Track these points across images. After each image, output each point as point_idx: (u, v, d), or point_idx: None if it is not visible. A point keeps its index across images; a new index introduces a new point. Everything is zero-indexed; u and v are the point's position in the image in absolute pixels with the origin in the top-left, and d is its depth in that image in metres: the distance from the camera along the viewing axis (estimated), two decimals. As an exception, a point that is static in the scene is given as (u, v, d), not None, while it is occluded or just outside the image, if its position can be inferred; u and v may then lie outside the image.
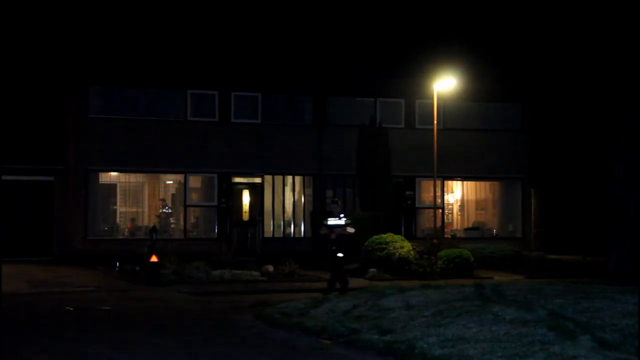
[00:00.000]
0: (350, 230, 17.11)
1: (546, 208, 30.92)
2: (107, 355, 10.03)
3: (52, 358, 9.87)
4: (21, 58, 26.23)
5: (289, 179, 28.40)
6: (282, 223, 28.11)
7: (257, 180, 27.79)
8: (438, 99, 24.74)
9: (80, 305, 15.03)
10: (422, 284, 15.90)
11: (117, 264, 21.86)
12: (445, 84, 24.63)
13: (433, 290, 13.45)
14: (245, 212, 27.76)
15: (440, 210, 28.27)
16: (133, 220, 27.18)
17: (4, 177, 25.20)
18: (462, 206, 30.86)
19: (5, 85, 26.19)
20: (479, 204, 31.27)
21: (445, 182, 29.35)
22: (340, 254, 16.88)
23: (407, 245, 22.27)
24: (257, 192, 27.76)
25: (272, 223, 27.91)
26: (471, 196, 31.07)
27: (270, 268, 21.94)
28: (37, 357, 9.89)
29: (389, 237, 22.59)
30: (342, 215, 17.31)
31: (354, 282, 20.03)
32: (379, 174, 26.51)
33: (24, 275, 20.55)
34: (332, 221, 17.19)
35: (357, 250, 19.02)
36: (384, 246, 22.20)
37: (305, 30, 28.19)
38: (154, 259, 19.44)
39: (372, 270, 21.65)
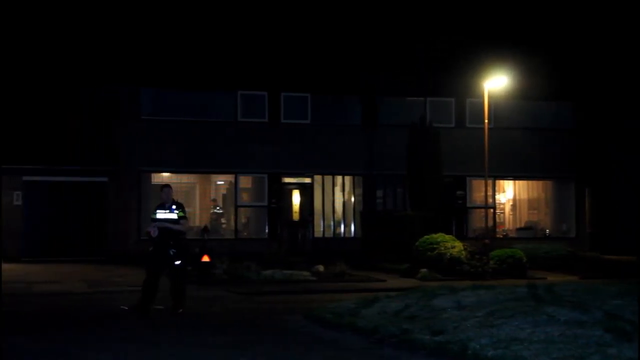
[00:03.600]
0: (182, 226, 13.71)
1: (600, 207, 30.40)
2: (159, 355, 10.14)
3: (108, 357, 10.00)
4: (75, 61, 26.69)
5: (339, 179, 28.40)
6: (332, 223, 28.13)
7: (307, 180, 27.86)
8: (489, 97, 24.48)
9: (134, 305, 15.19)
10: (474, 284, 15.75)
11: (170, 263, 22.05)
12: (496, 82, 24.37)
13: (485, 290, 13.32)
14: (296, 212, 27.84)
15: (492, 210, 27.99)
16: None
17: (60, 179, 25.79)
18: (514, 206, 30.50)
19: (59, 88, 26.71)
20: (532, 204, 30.88)
21: (497, 181, 29.04)
22: (178, 262, 13.53)
23: (458, 245, 22.08)
24: (307, 192, 27.82)
25: (322, 223, 27.96)
26: (523, 195, 30.69)
27: (321, 268, 21.96)
28: (92, 355, 10.05)
29: (439, 237, 22.44)
30: (174, 207, 13.69)
31: (404, 282, 19.97)
32: (430, 174, 26.34)
33: (80, 274, 20.93)
34: (161, 214, 13.68)
35: (187, 251, 14.31)
36: (434, 246, 22.05)
37: (354, 31, 28.16)
38: (205, 258, 19.62)
39: (423, 270, 21.52)
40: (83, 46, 26.86)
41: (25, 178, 25.52)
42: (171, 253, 13.41)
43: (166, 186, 14.09)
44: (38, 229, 25.45)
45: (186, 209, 14.11)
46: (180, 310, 13.73)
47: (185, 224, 13.79)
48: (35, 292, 17.61)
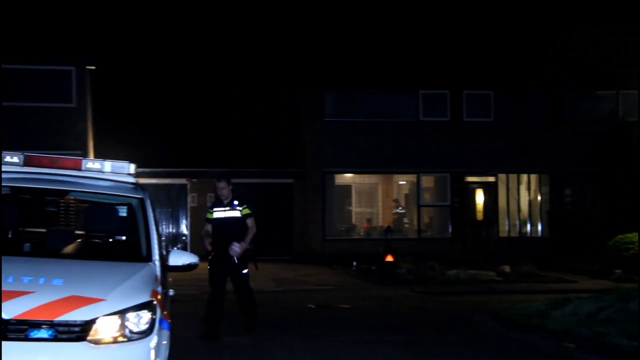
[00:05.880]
0: (251, 227, 11.12)
1: None
2: (338, 351, 10.29)
3: (292, 353, 10.29)
4: (264, 68, 27.78)
5: (524, 177, 27.61)
6: (517, 222, 27.38)
7: (491, 179, 27.29)
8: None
9: (321, 304, 15.56)
10: (676, 287, 14.76)
11: (354, 263, 22.42)
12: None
13: (689, 294, 12.44)
14: (479, 211, 27.35)
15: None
16: (369, 220, 27.80)
17: (248, 180, 26.89)
18: None
19: (248, 94, 27.86)
20: None
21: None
22: (245, 270, 11.03)
23: (656, 246, 20.82)
24: (490, 191, 27.25)
25: (507, 222, 27.28)
26: None
27: (507, 268, 21.46)
28: (278, 352, 10.38)
29: (635, 236, 21.28)
30: (236, 203, 11.05)
31: (596, 284, 19.06)
32: (623, 171, 24.98)
33: (269, 273, 21.64)
34: (219, 212, 11.09)
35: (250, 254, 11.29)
36: (629, 246, 20.97)
37: (535, 26, 27.27)
38: (389, 258, 19.71)
39: (618, 271, 20.51)
40: (272, 52, 27.91)
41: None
42: (235, 261, 10.90)
43: (220, 180, 11.08)
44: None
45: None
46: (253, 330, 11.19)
47: (252, 223, 11.09)
48: (231, 289, 18.43)
